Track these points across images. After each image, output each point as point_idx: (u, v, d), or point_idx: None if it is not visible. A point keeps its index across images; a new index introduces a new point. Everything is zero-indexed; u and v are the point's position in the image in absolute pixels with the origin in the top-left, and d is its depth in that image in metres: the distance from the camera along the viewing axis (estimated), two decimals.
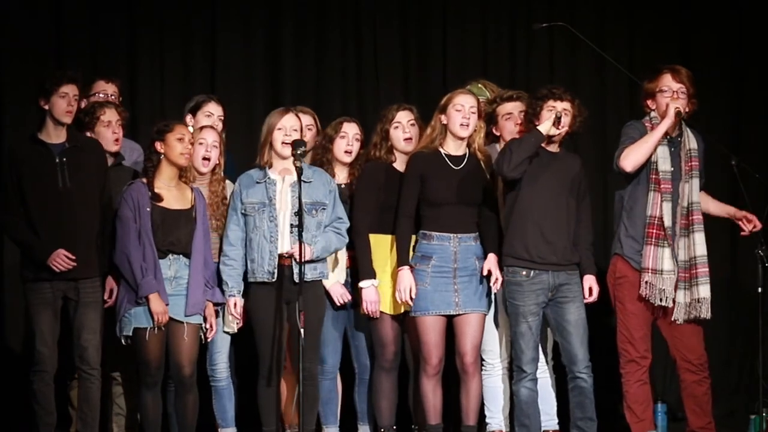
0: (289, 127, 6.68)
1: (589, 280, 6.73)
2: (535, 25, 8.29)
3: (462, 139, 6.77)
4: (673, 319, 6.74)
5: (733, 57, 8.69)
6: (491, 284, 6.72)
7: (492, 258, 6.72)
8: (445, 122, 6.77)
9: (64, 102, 6.60)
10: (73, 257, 6.53)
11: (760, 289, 7.54)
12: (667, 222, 6.70)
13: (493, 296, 6.85)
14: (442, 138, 6.80)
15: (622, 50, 8.70)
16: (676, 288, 6.71)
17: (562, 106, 6.67)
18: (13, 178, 6.60)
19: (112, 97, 7.39)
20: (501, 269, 6.71)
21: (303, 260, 6.44)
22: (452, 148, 6.80)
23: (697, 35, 8.72)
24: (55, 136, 6.64)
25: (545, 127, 6.63)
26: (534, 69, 8.71)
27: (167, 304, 6.51)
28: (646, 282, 6.71)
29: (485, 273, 6.70)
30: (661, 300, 6.71)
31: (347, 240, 6.79)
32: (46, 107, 6.62)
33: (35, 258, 6.57)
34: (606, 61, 8.36)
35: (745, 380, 8.41)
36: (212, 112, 7.22)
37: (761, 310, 7.62)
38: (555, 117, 6.61)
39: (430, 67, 8.71)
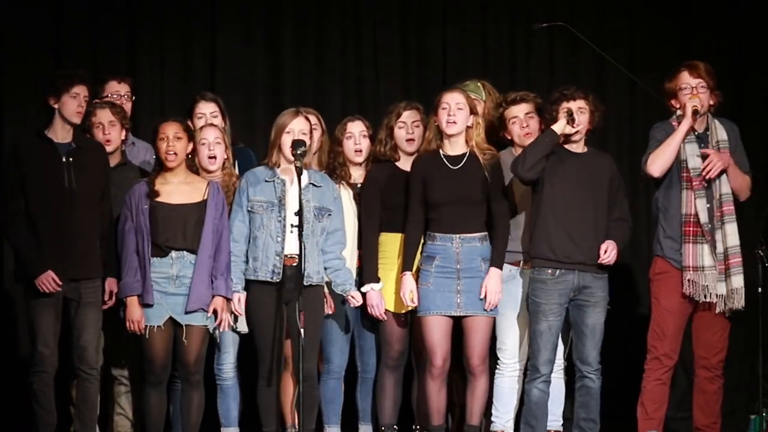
0: (298, 130, 6.66)
1: (608, 243, 6.64)
2: (535, 25, 8.31)
3: (451, 136, 6.77)
4: (718, 311, 6.75)
5: (733, 57, 8.69)
6: (485, 307, 6.71)
7: (494, 276, 6.69)
8: (437, 123, 6.78)
9: (75, 102, 6.60)
10: (60, 283, 6.51)
11: (760, 289, 7.55)
12: (703, 218, 6.71)
13: (519, 296, 6.87)
14: (439, 139, 6.80)
15: (622, 50, 8.70)
16: (716, 281, 6.73)
17: (576, 105, 6.67)
18: (16, 175, 6.58)
19: (125, 97, 7.39)
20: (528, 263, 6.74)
21: (303, 260, 6.43)
22: (449, 147, 6.81)
23: (697, 35, 8.72)
24: (62, 135, 6.64)
25: (559, 126, 6.64)
26: (534, 69, 8.72)
27: (151, 305, 6.49)
28: (689, 280, 6.72)
29: (482, 295, 6.69)
30: (705, 297, 6.73)
31: (346, 245, 6.81)
32: (56, 106, 6.61)
33: (26, 270, 6.56)
34: (606, 61, 8.37)
35: (746, 380, 8.40)
36: (203, 113, 7.22)
37: (761, 310, 7.62)
38: (567, 115, 6.61)
39: (430, 67, 8.71)
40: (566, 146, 6.72)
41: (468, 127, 6.79)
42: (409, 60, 8.73)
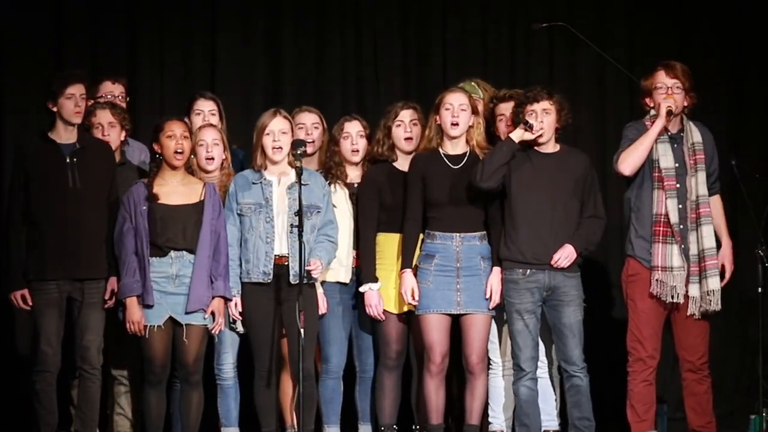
0: (278, 131, 6.69)
1: (564, 247, 6.63)
2: (535, 25, 8.31)
3: (454, 138, 6.77)
4: (689, 313, 6.73)
5: (733, 57, 8.69)
6: (489, 306, 6.73)
7: (496, 275, 6.73)
8: (439, 122, 6.79)
9: (72, 103, 6.61)
10: (30, 304, 6.56)
11: (760, 289, 7.54)
12: (673, 219, 6.70)
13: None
14: (439, 138, 6.81)
15: (622, 50, 8.70)
16: (688, 282, 6.71)
17: (540, 106, 6.65)
18: (20, 176, 6.61)
19: (119, 98, 7.40)
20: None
21: (303, 260, 6.45)
22: (450, 147, 6.81)
23: (697, 35, 8.71)
24: (65, 136, 6.66)
25: (517, 134, 6.65)
26: (534, 69, 8.70)
27: (152, 306, 6.49)
28: (657, 280, 6.70)
29: (487, 294, 6.72)
30: (672, 297, 6.71)
31: (338, 247, 6.80)
32: (55, 109, 6.63)
33: (5, 278, 6.65)
34: (606, 61, 8.36)
35: (745, 380, 8.40)
36: (201, 109, 7.23)
37: (761, 310, 7.61)
38: (522, 123, 6.60)
39: (430, 67, 8.71)
40: (536, 147, 6.71)
41: (469, 126, 6.79)
42: (409, 60, 8.73)
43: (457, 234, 6.74)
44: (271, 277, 6.63)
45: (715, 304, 6.74)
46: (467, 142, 6.83)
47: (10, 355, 7.97)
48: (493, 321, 6.89)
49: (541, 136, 6.67)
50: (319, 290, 6.80)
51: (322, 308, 6.81)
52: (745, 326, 8.27)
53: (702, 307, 6.73)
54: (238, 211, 6.70)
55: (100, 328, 6.67)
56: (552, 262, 6.63)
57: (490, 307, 6.74)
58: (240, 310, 6.69)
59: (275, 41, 8.61)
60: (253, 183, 6.72)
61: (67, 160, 6.61)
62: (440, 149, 6.82)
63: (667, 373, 7.71)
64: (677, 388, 7.07)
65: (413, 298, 6.74)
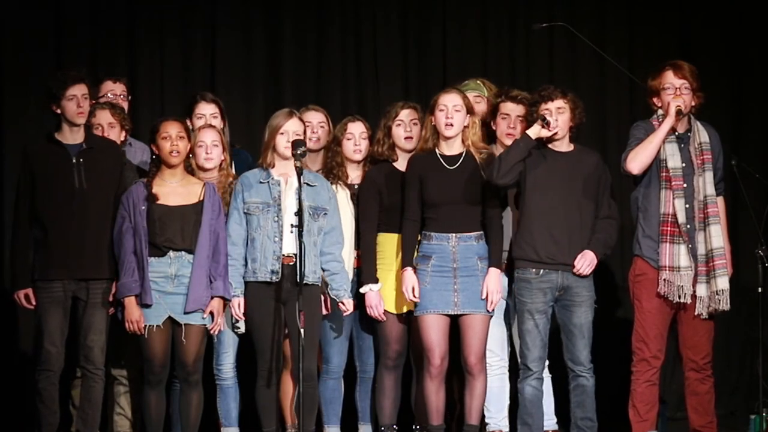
0: (293, 132, 6.68)
1: (584, 254, 6.64)
2: (535, 25, 8.31)
3: (448, 138, 6.78)
4: (696, 313, 6.73)
5: (734, 57, 8.70)
6: (487, 307, 6.72)
7: (493, 276, 6.71)
8: (434, 123, 6.79)
9: (73, 104, 6.62)
10: (34, 304, 6.59)
11: (760, 289, 7.55)
12: (681, 218, 6.69)
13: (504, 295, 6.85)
14: (436, 139, 6.81)
15: (622, 50, 8.70)
16: (696, 282, 6.70)
17: (555, 105, 6.66)
18: (27, 177, 6.62)
19: (121, 97, 7.40)
20: (510, 270, 6.73)
21: (303, 260, 6.44)
22: (446, 147, 6.81)
23: (698, 35, 8.72)
24: (71, 137, 6.67)
25: (534, 131, 6.64)
26: (534, 69, 8.71)
27: (150, 305, 6.49)
28: (665, 279, 6.69)
29: (483, 295, 6.71)
30: (679, 297, 6.70)
31: (344, 244, 6.81)
32: (58, 111, 6.64)
33: (10, 277, 6.70)
34: (606, 61, 8.37)
35: (745, 380, 8.41)
36: (202, 113, 7.22)
37: (761, 310, 7.62)
38: (540, 119, 6.61)
39: (430, 67, 8.72)
40: (550, 146, 6.72)
41: (464, 126, 6.79)
42: (409, 60, 8.73)
43: (454, 234, 6.73)
44: (279, 276, 6.63)
45: (724, 304, 6.73)
46: (463, 142, 6.82)
47: (13, 354, 7.97)
48: (499, 321, 6.90)
49: (556, 134, 6.67)
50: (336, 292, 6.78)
51: (324, 309, 6.81)
52: (746, 326, 8.28)
53: (710, 306, 6.73)
54: (245, 210, 6.70)
55: (104, 328, 6.67)
56: (574, 270, 6.64)
57: (489, 309, 6.74)
58: (243, 310, 6.69)
59: (275, 41, 8.61)
60: (260, 182, 6.71)
61: (74, 161, 6.62)
62: (436, 150, 6.82)
63: (668, 373, 7.73)
64: (678, 387, 7.07)
65: (414, 296, 6.73)
